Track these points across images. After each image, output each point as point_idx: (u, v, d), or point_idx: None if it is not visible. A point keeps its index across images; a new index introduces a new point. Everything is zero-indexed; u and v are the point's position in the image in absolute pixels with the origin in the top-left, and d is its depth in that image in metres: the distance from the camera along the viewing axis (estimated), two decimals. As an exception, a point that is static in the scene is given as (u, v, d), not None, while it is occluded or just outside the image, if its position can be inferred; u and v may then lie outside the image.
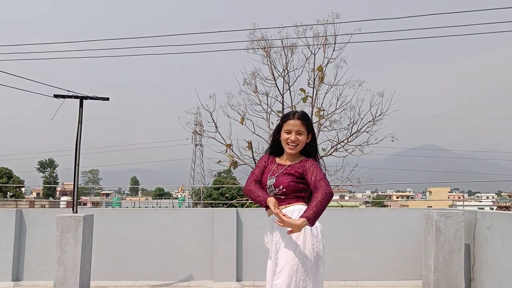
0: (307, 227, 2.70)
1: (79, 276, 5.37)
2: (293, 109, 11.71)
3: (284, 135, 2.93)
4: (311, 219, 2.64)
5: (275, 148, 3.07)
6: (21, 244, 6.44)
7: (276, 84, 11.99)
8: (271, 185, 2.92)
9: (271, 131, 2.94)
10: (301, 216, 2.66)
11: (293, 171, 2.91)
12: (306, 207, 2.76)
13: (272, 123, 11.34)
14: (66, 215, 5.50)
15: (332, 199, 2.76)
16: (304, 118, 2.93)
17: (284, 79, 11.95)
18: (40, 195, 70.69)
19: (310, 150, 3.01)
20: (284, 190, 2.87)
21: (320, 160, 3.11)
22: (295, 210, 2.83)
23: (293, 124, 2.89)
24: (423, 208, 6.50)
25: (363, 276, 6.34)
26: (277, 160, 3.05)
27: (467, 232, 5.68)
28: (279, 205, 2.81)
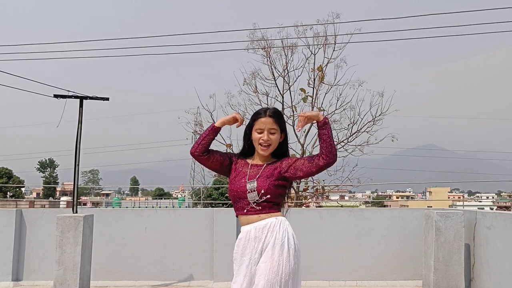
0: (286, 243, 2.50)
1: (79, 276, 5.38)
2: (293, 109, 11.70)
3: (255, 135, 2.63)
4: (327, 122, 2.54)
5: (246, 149, 2.75)
6: (21, 244, 6.44)
7: (276, 84, 11.99)
8: (252, 189, 2.56)
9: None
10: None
11: (270, 172, 2.61)
12: (285, 219, 2.60)
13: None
14: (66, 215, 5.51)
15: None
16: (277, 116, 2.64)
17: (284, 79, 11.95)
18: (40, 195, 70.58)
19: (281, 150, 2.70)
20: (268, 196, 2.55)
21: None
22: (276, 223, 2.54)
23: (265, 122, 2.60)
24: (423, 208, 6.50)
25: (363, 276, 6.34)
26: (249, 161, 2.71)
27: (467, 232, 5.68)
28: (255, 215, 2.56)
